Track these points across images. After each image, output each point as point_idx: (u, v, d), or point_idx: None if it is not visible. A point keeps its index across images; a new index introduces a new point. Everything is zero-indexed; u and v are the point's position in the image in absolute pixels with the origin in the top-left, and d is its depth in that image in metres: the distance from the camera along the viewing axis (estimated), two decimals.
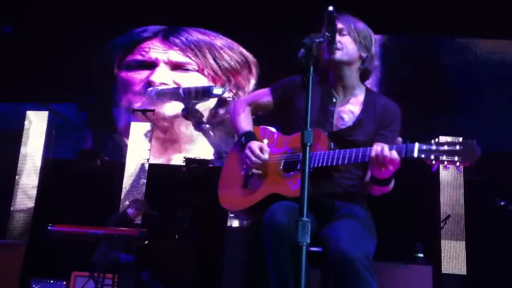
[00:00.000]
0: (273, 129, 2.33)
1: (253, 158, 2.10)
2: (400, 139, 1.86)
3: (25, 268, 6.09)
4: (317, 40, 1.83)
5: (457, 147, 1.69)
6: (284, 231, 1.83)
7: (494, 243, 5.85)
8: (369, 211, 2.17)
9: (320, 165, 1.94)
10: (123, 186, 7.10)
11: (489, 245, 6.05)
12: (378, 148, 1.81)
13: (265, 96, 2.32)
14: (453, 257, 6.26)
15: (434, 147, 1.72)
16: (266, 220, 1.89)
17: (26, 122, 7.29)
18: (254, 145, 2.13)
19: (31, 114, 7.33)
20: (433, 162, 1.72)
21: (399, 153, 1.79)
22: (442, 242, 6.31)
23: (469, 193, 6.60)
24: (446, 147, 1.70)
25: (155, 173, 7.24)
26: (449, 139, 1.73)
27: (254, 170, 2.13)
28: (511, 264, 5.11)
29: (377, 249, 1.97)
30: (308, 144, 1.66)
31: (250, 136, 2.20)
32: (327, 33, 1.93)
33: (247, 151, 2.12)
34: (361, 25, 2.19)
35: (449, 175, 6.68)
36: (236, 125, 2.29)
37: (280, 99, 2.28)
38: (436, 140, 1.73)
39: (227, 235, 5.95)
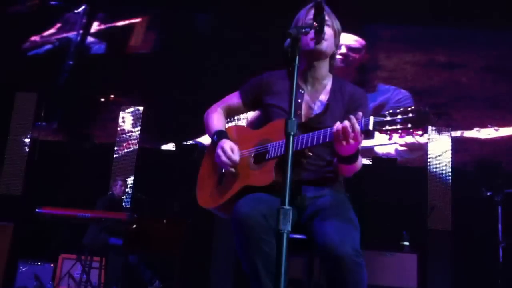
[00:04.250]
0: (244, 126, 2.34)
1: (224, 159, 2.12)
2: (360, 113, 1.87)
3: (12, 249, 6.09)
4: (303, 30, 1.83)
5: (410, 115, 1.73)
6: (249, 222, 1.85)
7: (480, 233, 5.91)
8: (348, 194, 2.20)
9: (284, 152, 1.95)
10: (112, 169, 7.11)
11: (475, 234, 6.11)
12: (340, 123, 1.85)
13: (234, 98, 2.36)
14: (439, 246, 6.32)
15: (388, 118, 1.76)
16: (233, 214, 1.91)
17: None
18: (226, 145, 2.15)
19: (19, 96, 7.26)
20: (389, 132, 1.76)
21: None
22: (428, 231, 6.37)
23: (455, 184, 6.65)
24: (399, 116, 1.74)
25: (144, 157, 7.22)
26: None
27: (228, 168, 2.15)
28: (496, 253, 5.17)
29: (364, 238, 1.99)
30: (292, 133, 1.66)
31: (221, 134, 2.22)
32: (315, 23, 1.92)
33: (219, 151, 2.15)
34: (337, 20, 2.23)
35: (437, 166, 6.73)
36: (208, 127, 2.32)
37: (249, 99, 2.32)
38: (390, 111, 1.77)
39: (217, 223, 5.97)
